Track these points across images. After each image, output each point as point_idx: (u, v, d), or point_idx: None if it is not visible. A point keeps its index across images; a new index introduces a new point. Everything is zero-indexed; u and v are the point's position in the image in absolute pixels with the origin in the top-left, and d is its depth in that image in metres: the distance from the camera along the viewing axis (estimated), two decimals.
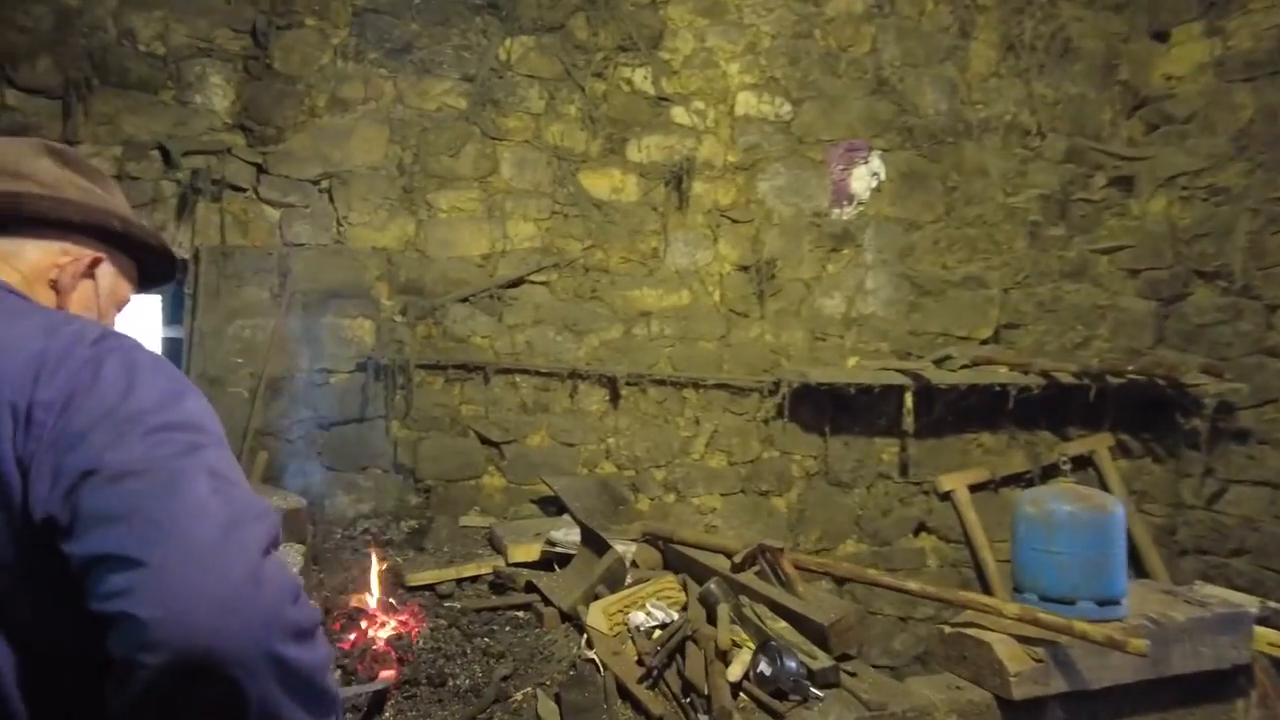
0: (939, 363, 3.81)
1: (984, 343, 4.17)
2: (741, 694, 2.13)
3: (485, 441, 3.64)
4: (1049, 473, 3.80)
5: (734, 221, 4.01)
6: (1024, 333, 4.29)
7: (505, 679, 2.20)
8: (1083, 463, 4.14)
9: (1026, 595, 2.40)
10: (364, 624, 2.34)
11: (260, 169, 3.54)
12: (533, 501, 3.63)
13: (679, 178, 3.89)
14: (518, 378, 3.68)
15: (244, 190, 3.51)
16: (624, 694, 2.09)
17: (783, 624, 2.41)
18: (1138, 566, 4.11)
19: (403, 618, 2.45)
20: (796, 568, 2.55)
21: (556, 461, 3.69)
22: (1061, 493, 2.39)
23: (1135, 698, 2.33)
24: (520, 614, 2.73)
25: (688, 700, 2.05)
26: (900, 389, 3.68)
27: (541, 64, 3.82)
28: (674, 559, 3.05)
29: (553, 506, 3.50)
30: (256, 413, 3.42)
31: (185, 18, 3.47)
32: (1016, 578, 2.45)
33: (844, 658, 2.39)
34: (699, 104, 3.98)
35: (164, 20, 3.46)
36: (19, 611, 0.85)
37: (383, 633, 2.29)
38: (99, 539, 0.78)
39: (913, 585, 2.37)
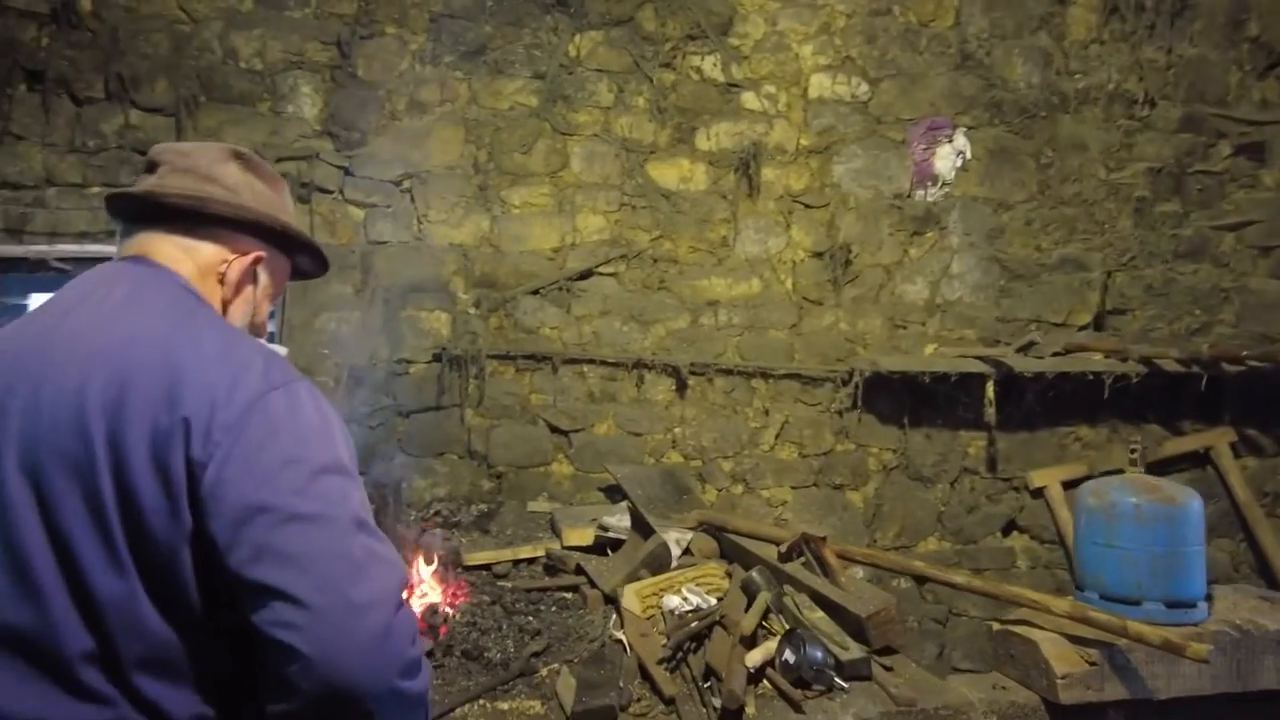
0: (1024, 350, 3.56)
1: (1082, 329, 3.87)
2: (765, 681, 2.08)
3: (554, 430, 3.72)
4: (1155, 471, 3.47)
5: (807, 207, 3.91)
6: (1131, 319, 3.95)
7: (536, 655, 2.25)
8: (1199, 460, 3.76)
9: (1088, 594, 2.22)
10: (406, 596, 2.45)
11: (346, 171, 3.77)
12: (600, 489, 3.68)
13: (749, 164, 3.83)
14: (585, 368, 3.74)
15: (331, 192, 3.75)
16: (644, 674, 2.09)
17: (820, 614, 2.34)
18: (1269, 577, 3.70)
19: (448, 592, 2.55)
20: (840, 557, 2.47)
21: (623, 450, 3.72)
22: (1127, 483, 2.20)
23: (1214, 712, 2.10)
24: (567, 595, 2.78)
25: (707, 684, 2.03)
26: (981, 378, 3.47)
27: (610, 58, 3.87)
28: (728, 548, 3.02)
29: (618, 494, 3.53)
30: (341, 401, 3.64)
31: (280, 34, 3.75)
32: (1078, 575, 2.27)
33: (886, 651, 2.30)
34: (770, 88, 3.91)
35: (262, 38, 3.74)
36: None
37: (419, 604, 2.38)
38: (273, 573, 0.98)
39: (959, 578, 2.24)
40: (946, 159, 3.90)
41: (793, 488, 3.80)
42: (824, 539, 2.52)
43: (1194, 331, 3.95)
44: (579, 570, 2.86)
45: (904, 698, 2.01)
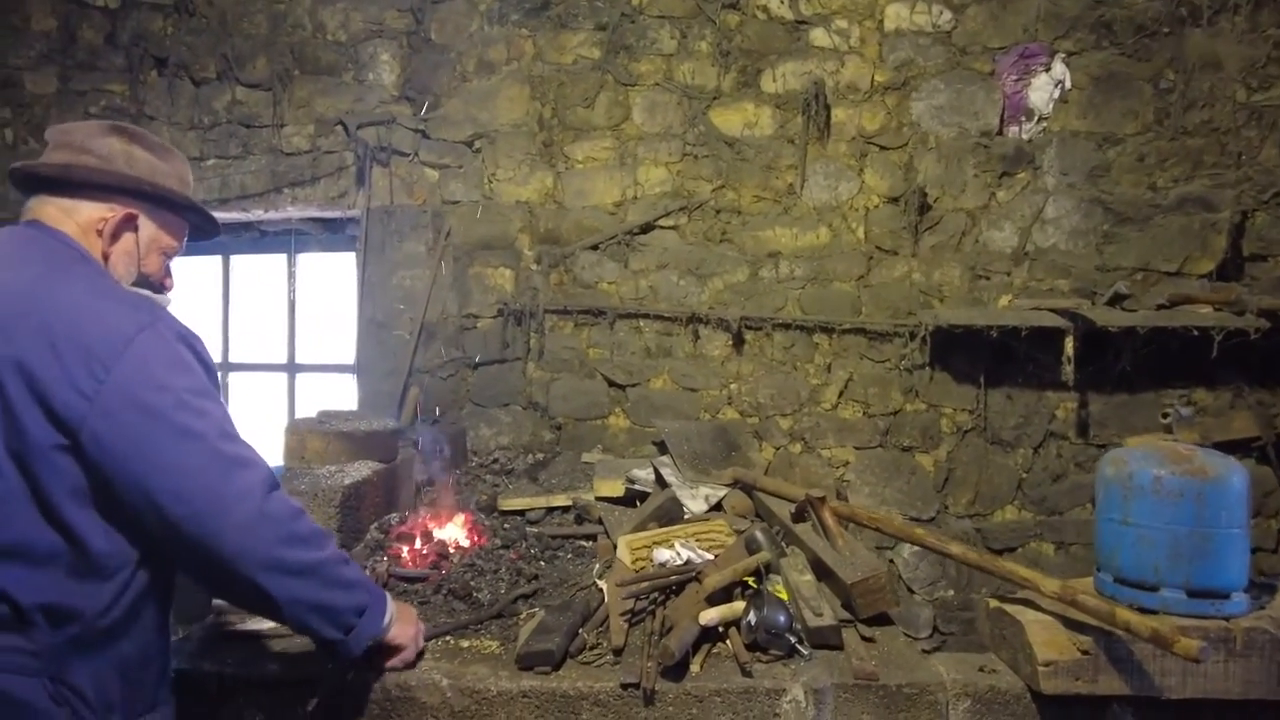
0: (1115, 302, 3.15)
1: (1203, 278, 3.36)
2: (724, 642, 2.04)
3: (611, 384, 3.76)
4: None
5: (882, 149, 3.65)
6: (1273, 265, 3.37)
7: (520, 598, 2.33)
8: None
9: (1103, 575, 1.98)
10: (417, 538, 2.60)
11: (422, 134, 3.94)
12: (654, 443, 3.68)
13: (814, 104, 3.61)
14: (640, 322, 3.73)
15: (408, 155, 3.94)
16: (602, 622, 2.11)
17: (808, 578, 2.24)
18: None
19: (459, 536, 2.68)
20: (839, 518, 2.34)
21: (678, 405, 3.70)
22: (1153, 452, 1.91)
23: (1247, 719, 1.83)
24: (586, 543, 2.83)
25: (661, 639, 2.01)
26: (1061, 333, 3.11)
27: (673, 2, 3.76)
28: (758, 506, 2.94)
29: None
30: (415, 353, 3.87)
31: (361, 6, 3.95)
32: (1096, 554, 2.02)
33: (877, 621, 2.17)
34: (841, 23, 3.65)
35: (345, 11, 3.97)
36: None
37: (426, 545, 2.52)
38: (158, 480, 1.30)
39: (954, 548, 2.06)
40: (1042, 90, 3.48)
41: (856, 449, 3.62)
42: (823, 499, 2.39)
43: None
44: (600, 520, 2.90)
45: (864, 670, 1.89)
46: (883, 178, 3.64)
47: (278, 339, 4.32)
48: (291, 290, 4.32)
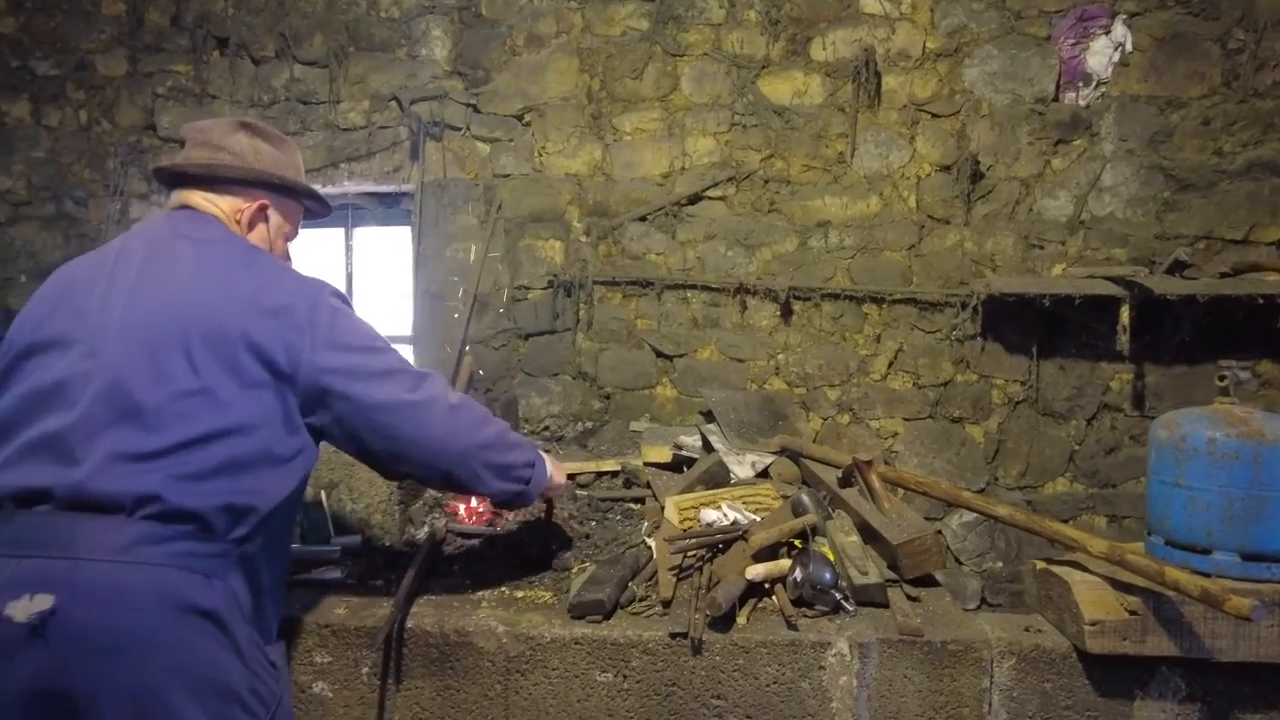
0: (1175, 270, 3.08)
1: (1272, 245, 3.25)
2: (770, 598, 2.08)
3: (659, 354, 3.81)
4: None
5: (934, 116, 3.60)
6: None
7: (570, 553, 2.40)
8: None
9: (1154, 539, 1.97)
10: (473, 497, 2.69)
11: (474, 109, 4.01)
12: (701, 413, 3.72)
13: (864, 72, 3.58)
14: (688, 293, 3.76)
15: (460, 129, 4.02)
16: (650, 576, 2.17)
17: (854, 539, 2.27)
18: None
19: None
20: (885, 482, 2.36)
21: (725, 376, 3.73)
22: (1208, 414, 1.89)
23: None
24: (635, 506, 2.89)
25: (709, 592, 2.06)
26: (1116, 302, 3.05)
27: None
28: (806, 473, 2.97)
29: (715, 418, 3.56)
30: (468, 324, 3.96)
31: None
32: (1147, 517, 2.01)
33: (922, 583, 2.19)
34: None
35: None
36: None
37: (476, 502, 2.61)
38: (363, 389, 1.62)
39: (1001, 509, 2.06)
40: (1101, 54, 3.39)
41: (905, 419, 3.61)
42: (870, 463, 2.41)
43: None
44: (649, 484, 2.96)
45: (909, 626, 1.92)
46: (934, 146, 3.60)
47: None
48: (349, 263, 4.44)
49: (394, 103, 4.05)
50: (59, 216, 4.44)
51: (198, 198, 1.68)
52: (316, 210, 1.90)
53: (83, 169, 4.42)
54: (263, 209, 1.73)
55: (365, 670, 1.96)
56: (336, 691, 1.97)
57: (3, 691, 1.23)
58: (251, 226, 1.72)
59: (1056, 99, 3.47)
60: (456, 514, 2.58)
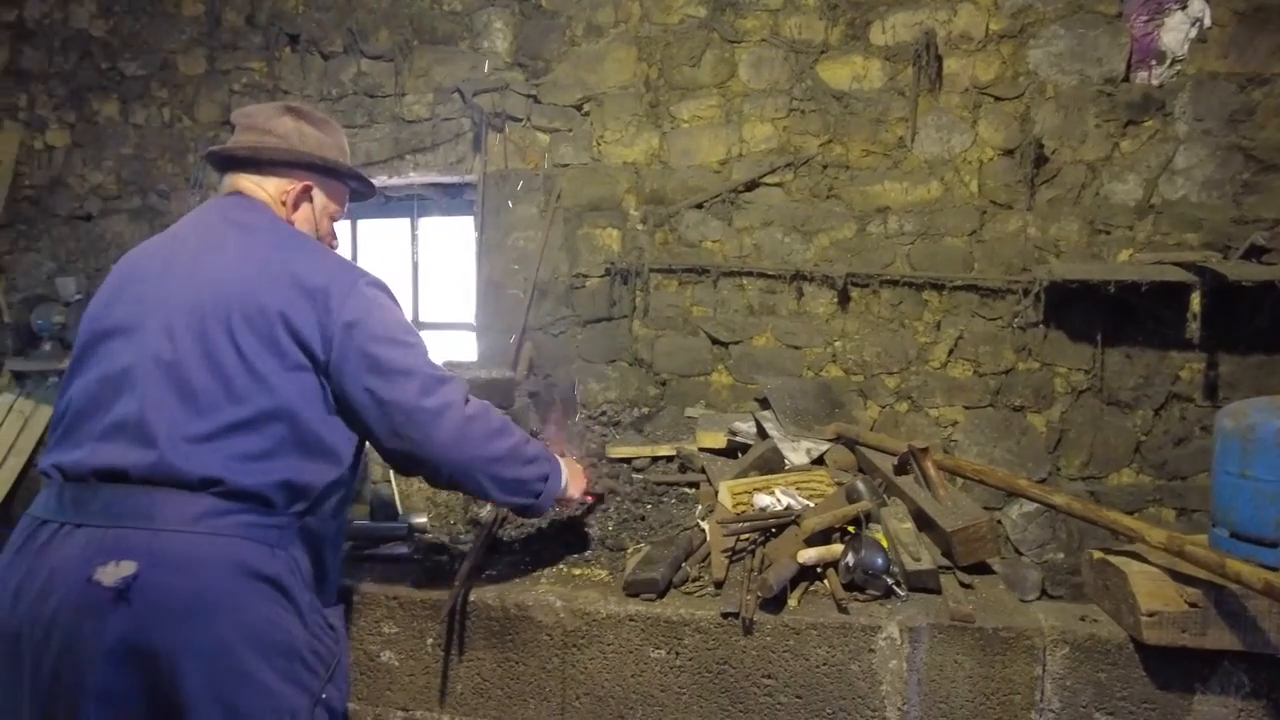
0: (1253, 254, 2.96)
1: None
2: (822, 582, 2.11)
3: (714, 341, 3.83)
4: None
5: (997, 99, 3.53)
6: None
7: (625, 534, 2.47)
8: None
9: (1218, 531, 1.93)
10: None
11: (534, 100, 4.08)
12: (756, 399, 3.74)
13: (925, 55, 3.53)
14: (744, 280, 3.78)
15: (520, 120, 4.10)
16: (704, 558, 2.22)
17: (908, 525, 2.28)
18: None
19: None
20: (941, 469, 2.36)
21: (781, 363, 3.74)
22: (1277, 404, 1.85)
23: None
24: (689, 490, 2.94)
25: (761, 574, 2.10)
26: (1186, 288, 2.95)
27: None
28: (861, 461, 2.98)
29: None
30: (528, 311, 4.05)
31: None
32: (1212, 509, 1.97)
33: (977, 570, 2.19)
34: None
35: None
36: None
37: None
38: (382, 386, 1.60)
39: (1058, 498, 2.04)
40: (1177, 30, 3.28)
41: (965, 408, 3.57)
42: (926, 450, 2.40)
43: None
44: (703, 469, 3.00)
45: (960, 612, 1.92)
46: (997, 129, 3.53)
47: (403, 299, 4.59)
48: (415, 253, 4.58)
49: (457, 95, 4.15)
50: (144, 209, 4.69)
51: (245, 181, 1.74)
52: (361, 191, 1.94)
53: (166, 163, 4.65)
54: (307, 190, 1.77)
55: (430, 641, 2.06)
56: (402, 661, 2.08)
57: (94, 648, 1.34)
58: (296, 207, 1.76)
59: (1127, 79, 3.37)
60: None
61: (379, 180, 4.29)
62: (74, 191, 4.79)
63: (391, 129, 4.25)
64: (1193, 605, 1.77)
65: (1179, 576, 1.84)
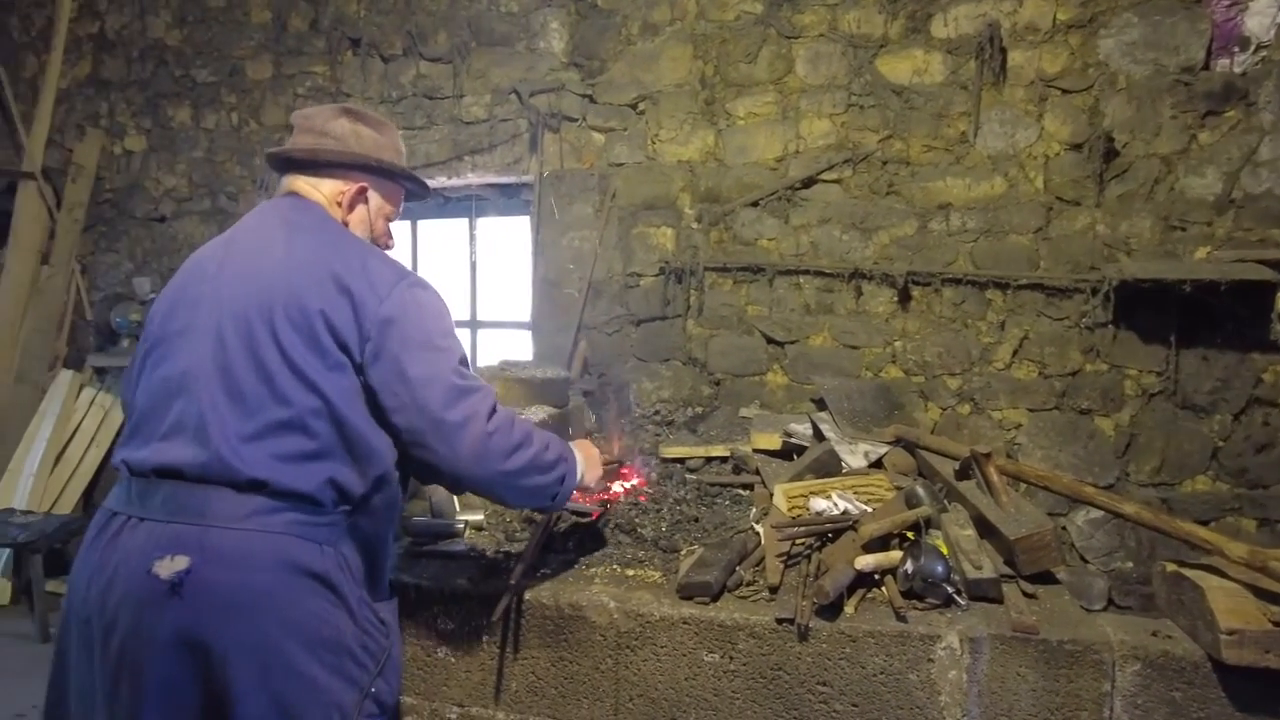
0: None
1: None
2: (879, 589, 2.07)
3: (769, 340, 3.80)
4: None
5: (1064, 92, 3.41)
6: None
7: (679, 535, 2.46)
8: None
9: None
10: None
11: (590, 99, 4.10)
12: (812, 400, 3.69)
13: (989, 48, 3.43)
14: (801, 279, 3.73)
15: (576, 120, 4.12)
16: (758, 562, 2.20)
17: (969, 533, 2.22)
18: None
19: (624, 480, 2.85)
20: (1003, 475, 2.29)
21: (838, 363, 3.69)
22: None
23: None
24: (743, 492, 2.92)
25: (817, 580, 2.07)
26: (1271, 286, 2.81)
27: None
28: (921, 464, 2.92)
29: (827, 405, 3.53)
30: (583, 310, 4.07)
31: None
32: None
33: (1041, 579, 2.13)
34: None
35: None
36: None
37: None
38: (403, 390, 1.59)
39: (1128, 507, 1.97)
40: (1263, 15, 3.12)
41: (1029, 410, 3.47)
42: (989, 455, 2.34)
43: None
44: (758, 471, 2.97)
45: (1023, 623, 1.86)
46: (1064, 123, 3.41)
47: (460, 298, 4.67)
48: (472, 252, 4.65)
49: (514, 96, 4.19)
50: (214, 211, 4.85)
51: (301, 183, 1.76)
52: (416, 192, 1.95)
53: (234, 166, 4.81)
54: (362, 191, 1.78)
55: (485, 638, 2.09)
56: (459, 657, 2.11)
57: (153, 638, 1.40)
58: (352, 208, 1.78)
59: (1206, 67, 3.22)
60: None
61: (437, 181, 4.37)
62: (149, 194, 4.99)
63: (450, 130, 4.31)
64: (1277, 624, 1.69)
65: (1261, 593, 1.76)
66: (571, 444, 1.96)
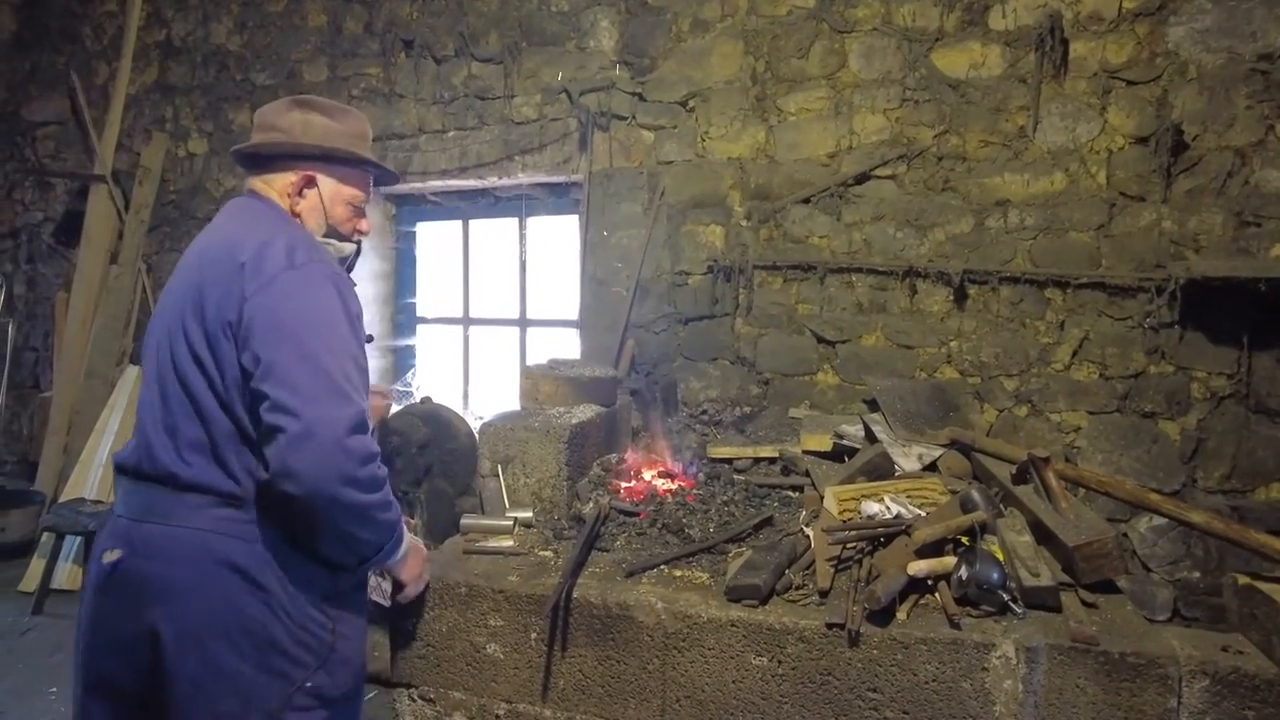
0: None
1: None
2: (933, 595, 2.03)
3: (820, 340, 3.75)
4: None
5: (1130, 83, 3.29)
6: None
7: (729, 539, 2.44)
8: None
9: None
10: (640, 477, 2.79)
11: (639, 98, 4.09)
12: (864, 401, 3.63)
13: (1049, 39, 3.33)
14: (853, 277, 3.67)
15: (625, 118, 4.12)
16: (807, 565, 2.17)
17: (1026, 539, 2.16)
18: None
19: (673, 478, 2.84)
20: (1063, 479, 2.22)
21: (891, 363, 3.62)
22: None
23: None
24: (792, 493, 2.89)
25: (868, 585, 2.04)
26: None
27: None
28: (977, 468, 2.85)
29: (879, 406, 3.47)
30: (631, 309, 4.07)
31: None
32: None
33: (1101, 589, 2.06)
34: None
35: None
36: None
37: (637, 482, 2.70)
38: (268, 389, 1.49)
39: (1195, 516, 1.89)
40: None
41: (1090, 413, 3.36)
42: (1047, 459, 2.26)
43: None
44: (808, 472, 2.94)
45: (1082, 634, 1.80)
46: (1129, 116, 3.29)
47: (510, 296, 4.71)
48: (523, 251, 4.68)
49: (564, 95, 4.20)
50: None
51: (256, 180, 1.78)
52: (384, 178, 1.91)
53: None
54: (308, 180, 1.75)
55: (534, 636, 2.10)
56: (507, 654, 2.13)
57: (109, 623, 1.56)
58: (300, 196, 1.76)
59: None
60: (619, 492, 2.69)
61: (489, 181, 4.41)
62: (210, 195, 5.14)
63: (501, 130, 4.35)
64: None
65: None
66: (405, 541, 1.79)
